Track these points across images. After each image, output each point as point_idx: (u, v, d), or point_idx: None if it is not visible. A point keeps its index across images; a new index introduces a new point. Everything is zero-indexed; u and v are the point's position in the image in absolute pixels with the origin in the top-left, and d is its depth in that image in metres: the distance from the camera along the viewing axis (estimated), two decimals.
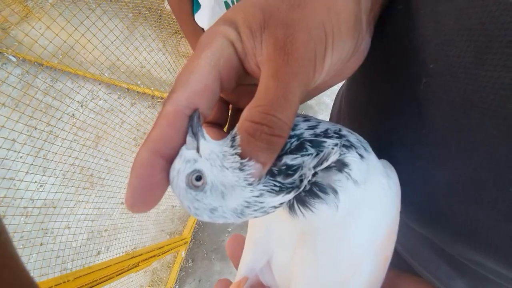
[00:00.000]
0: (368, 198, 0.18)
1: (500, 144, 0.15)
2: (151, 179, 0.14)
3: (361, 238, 0.18)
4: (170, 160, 0.15)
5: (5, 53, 2.14)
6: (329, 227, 0.18)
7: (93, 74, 1.54)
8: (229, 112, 0.23)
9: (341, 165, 0.17)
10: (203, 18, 0.80)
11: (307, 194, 0.17)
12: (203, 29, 0.85)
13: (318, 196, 0.16)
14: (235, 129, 0.15)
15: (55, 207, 1.17)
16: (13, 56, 2.13)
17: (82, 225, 1.34)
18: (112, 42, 1.19)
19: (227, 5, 0.79)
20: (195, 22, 0.83)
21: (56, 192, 1.12)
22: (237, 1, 0.78)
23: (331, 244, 0.18)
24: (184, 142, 0.15)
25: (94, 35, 1.10)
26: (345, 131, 0.18)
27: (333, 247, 0.18)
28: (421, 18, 0.18)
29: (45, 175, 1.10)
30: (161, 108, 0.15)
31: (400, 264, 0.38)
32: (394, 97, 0.22)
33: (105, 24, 1.13)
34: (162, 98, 2.03)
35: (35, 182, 1.05)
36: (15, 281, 0.24)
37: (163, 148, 0.15)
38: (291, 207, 0.17)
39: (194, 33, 0.86)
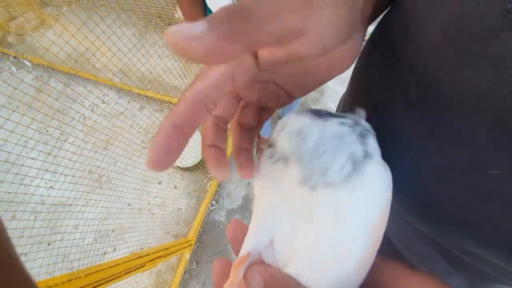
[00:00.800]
0: (365, 182, 0.20)
1: (479, 132, 0.18)
2: (170, 146, 0.17)
3: (358, 217, 0.20)
4: (185, 134, 0.18)
5: (20, 58, 2.22)
6: (329, 206, 0.20)
7: (104, 78, 1.59)
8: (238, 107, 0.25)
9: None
10: None
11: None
12: None
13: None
14: None
15: (70, 205, 1.20)
16: (28, 61, 2.21)
17: (91, 223, 1.36)
18: (125, 45, 1.23)
19: None
20: None
21: (68, 190, 1.15)
22: None
23: (330, 222, 0.20)
24: (196, 122, 0.18)
25: (108, 38, 1.15)
26: None
27: (332, 225, 0.20)
28: (413, 28, 0.21)
29: (56, 173, 1.13)
30: (183, 91, 0.18)
31: (399, 260, 0.40)
32: (390, 98, 0.25)
33: (119, 27, 1.18)
34: (170, 103, 2.07)
35: (46, 181, 1.09)
36: (14, 282, 0.24)
37: (182, 123, 0.17)
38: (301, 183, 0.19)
39: None
